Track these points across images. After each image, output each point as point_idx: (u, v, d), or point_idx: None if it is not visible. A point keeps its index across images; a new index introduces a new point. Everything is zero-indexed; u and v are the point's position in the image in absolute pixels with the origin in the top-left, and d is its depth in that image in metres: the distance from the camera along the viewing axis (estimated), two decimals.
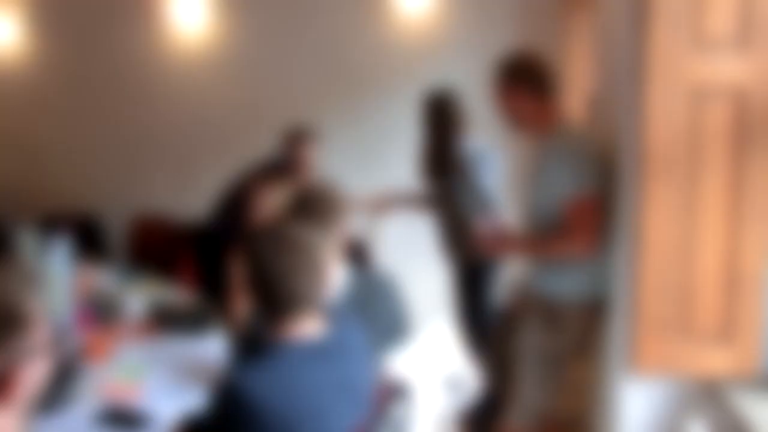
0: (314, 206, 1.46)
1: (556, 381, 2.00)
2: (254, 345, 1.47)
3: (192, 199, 2.83)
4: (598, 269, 1.86)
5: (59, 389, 1.52)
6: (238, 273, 2.09)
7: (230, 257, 2.14)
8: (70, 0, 4.16)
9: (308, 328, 1.21)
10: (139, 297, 2.29)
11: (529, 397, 1.98)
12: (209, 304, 2.21)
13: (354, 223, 2.34)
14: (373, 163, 3.90)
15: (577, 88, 3.18)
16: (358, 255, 1.88)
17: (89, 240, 4.08)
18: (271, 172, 2.78)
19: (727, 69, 1.40)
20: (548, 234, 1.89)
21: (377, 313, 1.61)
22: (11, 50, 4.34)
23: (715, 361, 1.49)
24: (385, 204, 2.44)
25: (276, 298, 1.19)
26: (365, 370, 1.28)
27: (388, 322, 1.62)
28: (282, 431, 1.11)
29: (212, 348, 1.85)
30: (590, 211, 1.81)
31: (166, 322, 1.96)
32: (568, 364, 2.01)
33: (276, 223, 1.28)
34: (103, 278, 2.43)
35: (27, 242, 2.37)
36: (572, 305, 1.90)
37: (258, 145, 3.11)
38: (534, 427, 2.00)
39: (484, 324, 2.62)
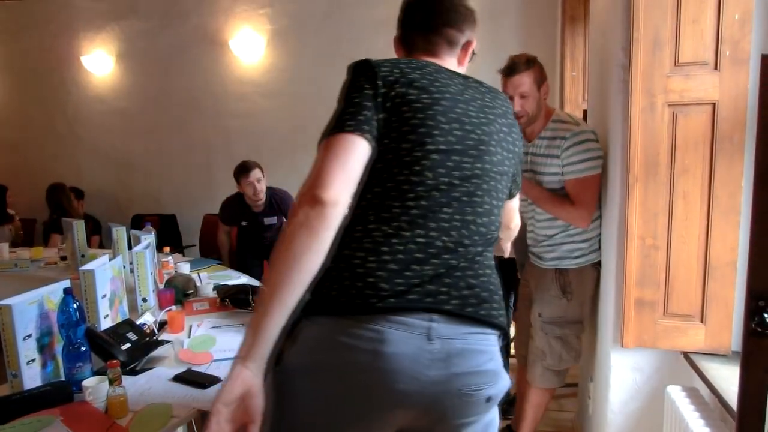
0: None
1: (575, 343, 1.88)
2: None
3: None
4: (594, 239, 1.83)
5: (148, 354, 1.58)
6: None
7: None
8: (152, 40, 4.28)
9: None
10: (207, 279, 2.36)
11: (549, 360, 1.87)
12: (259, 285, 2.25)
13: None
14: None
15: (572, 103, 3.10)
16: None
17: (169, 233, 4.23)
18: None
19: (700, 87, 1.36)
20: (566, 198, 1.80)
21: None
22: (108, 80, 4.50)
23: (690, 339, 1.45)
24: None
25: None
26: None
27: None
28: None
29: None
30: (586, 187, 1.74)
31: (229, 299, 2.00)
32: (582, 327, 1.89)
33: None
34: (181, 264, 2.51)
35: (121, 236, 2.47)
36: (578, 272, 1.82)
37: (304, 153, 3.13)
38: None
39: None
